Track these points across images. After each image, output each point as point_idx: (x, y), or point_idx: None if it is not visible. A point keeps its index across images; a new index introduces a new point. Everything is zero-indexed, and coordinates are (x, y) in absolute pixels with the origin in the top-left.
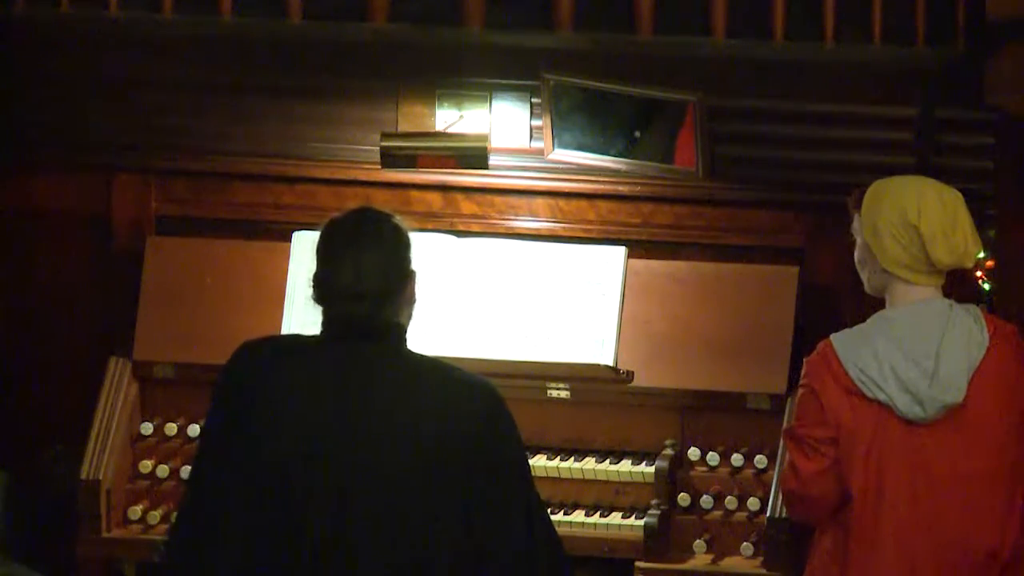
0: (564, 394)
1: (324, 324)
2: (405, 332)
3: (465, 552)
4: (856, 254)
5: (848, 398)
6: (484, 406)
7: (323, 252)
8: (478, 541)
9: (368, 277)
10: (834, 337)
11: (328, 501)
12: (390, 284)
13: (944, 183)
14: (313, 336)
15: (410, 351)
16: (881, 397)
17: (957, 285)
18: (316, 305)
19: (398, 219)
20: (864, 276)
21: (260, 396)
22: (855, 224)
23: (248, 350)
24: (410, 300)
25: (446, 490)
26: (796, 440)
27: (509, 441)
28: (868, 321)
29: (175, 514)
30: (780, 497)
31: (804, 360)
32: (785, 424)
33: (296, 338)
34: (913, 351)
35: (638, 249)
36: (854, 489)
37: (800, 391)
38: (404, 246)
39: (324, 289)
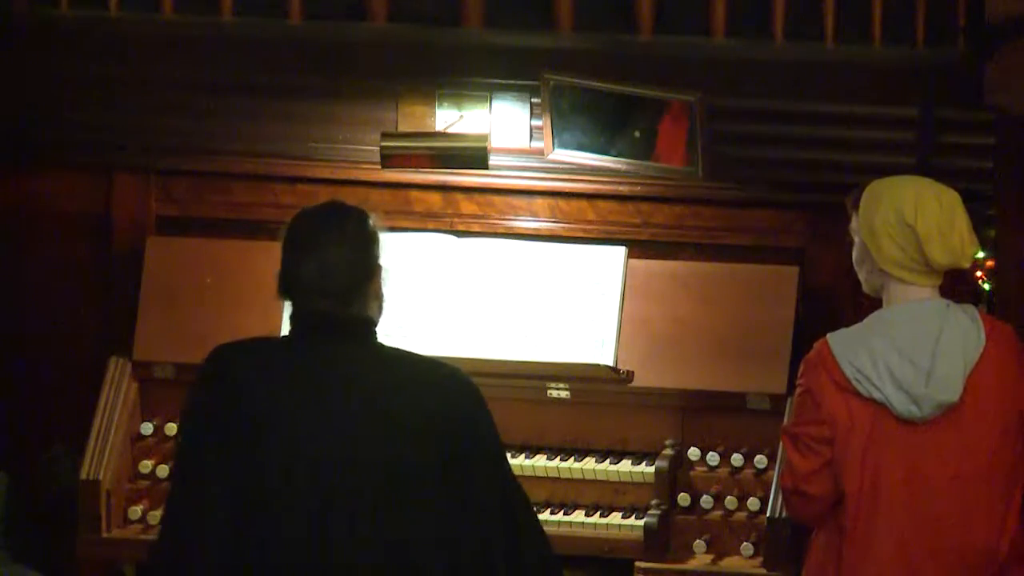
0: (564, 394)
1: (292, 320)
2: (375, 326)
3: (447, 544)
4: (854, 253)
5: (844, 397)
6: (459, 397)
7: (288, 246)
8: (459, 533)
9: (333, 272)
10: (831, 336)
11: (308, 498)
12: (355, 279)
13: (943, 183)
14: (283, 336)
15: (380, 344)
16: (877, 396)
17: (956, 285)
18: (285, 299)
19: (367, 214)
20: (861, 276)
21: (235, 398)
22: (853, 223)
23: (220, 354)
24: (377, 295)
25: (425, 482)
26: (792, 438)
27: (485, 430)
28: (865, 320)
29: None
30: (780, 497)
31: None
32: (784, 423)
33: (267, 339)
34: (909, 350)
35: (638, 249)
36: (850, 488)
37: (797, 390)
38: (369, 240)
39: (289, 284)
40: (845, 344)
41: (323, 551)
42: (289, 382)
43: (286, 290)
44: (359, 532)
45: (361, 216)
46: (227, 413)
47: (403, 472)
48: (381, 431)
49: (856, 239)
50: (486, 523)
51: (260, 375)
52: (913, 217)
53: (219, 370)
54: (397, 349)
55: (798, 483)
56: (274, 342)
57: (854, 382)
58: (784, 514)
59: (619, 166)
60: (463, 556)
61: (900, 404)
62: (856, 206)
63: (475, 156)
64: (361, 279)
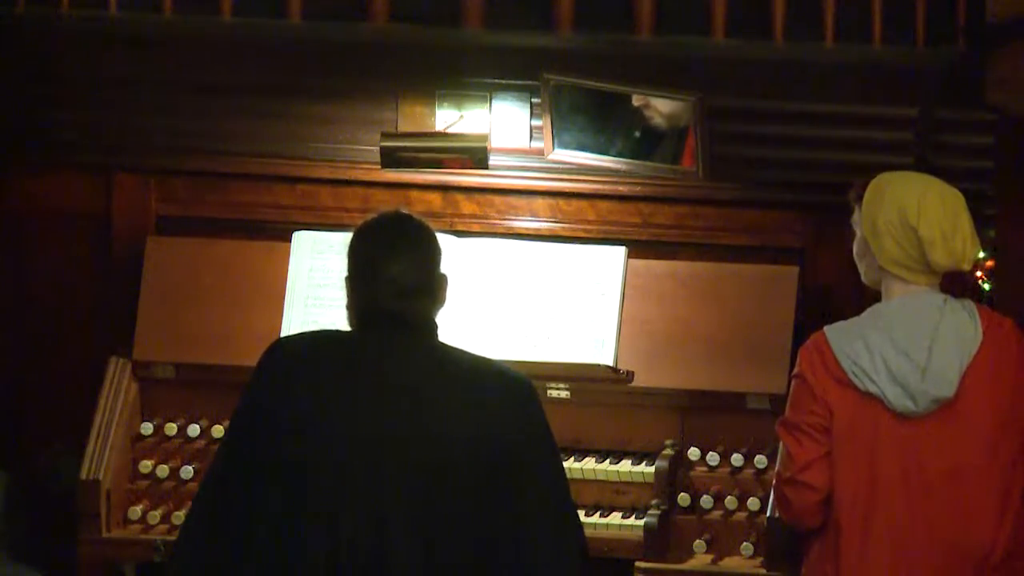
0: (564, 394)
1: (366, 317)
2: (436, 327)
3: (484, 544)
4: (855, 246)
5: (840, 389)
6: (512, 399)
7: (366, 250)
8: (499, 534)
9: (410, 277)
10: (828, 328)
11: (360, 495)
12: (428, 285)
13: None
14: (345, 331)
15: (442, 343)
16: (872, 389)
17: (955, 285)
18: (354, 302)
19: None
20: (861, 268)
21: (299, 390)
22: (855, 216)
23: (284, 346)
24: (442, 301)
25: (468, 482)
26: (789, 427)
27: (536, 434)
28: (863, 314)
29: (186, 513)
30: None
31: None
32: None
33: (329, 332)
34: (905, 344)
35: (638, 249)
36: (845, 482)
37: (793, 381)
38: (439, 250)
39: (370, 283)
40: (842, 336)
41: (370, 546)
42: (344, 371)
43: (364, 290)
44: (409, 532)
45: (428, 227)
46: (277, 403)
47: (447, 469)
48: (440, 430)
49: (858, 232)
50: (528, 526)
51: (314, 364)
52: (916, 219)
53: (278, 364)
54: (458, 349)
55: (796, 473)
56: (336, 334)
57: (850, 375)
58: None
59: (619, 166)
60: (501, 557)
61: (895, 398)
62: (859, 200)
63: (475, 156)
64: (433, 286)
